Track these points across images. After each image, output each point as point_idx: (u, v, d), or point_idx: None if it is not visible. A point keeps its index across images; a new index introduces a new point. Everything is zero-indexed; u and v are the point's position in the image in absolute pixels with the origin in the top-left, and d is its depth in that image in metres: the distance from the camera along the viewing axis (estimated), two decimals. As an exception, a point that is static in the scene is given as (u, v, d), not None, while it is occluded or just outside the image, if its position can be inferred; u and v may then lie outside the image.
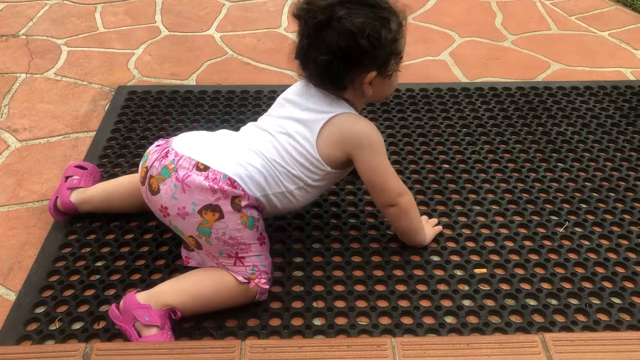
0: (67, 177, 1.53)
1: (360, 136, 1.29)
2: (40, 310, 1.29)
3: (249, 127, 1.37)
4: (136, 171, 1.63)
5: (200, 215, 1.22)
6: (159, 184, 1.24)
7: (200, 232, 1.24)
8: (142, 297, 1.21)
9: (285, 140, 1.29)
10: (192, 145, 1.28)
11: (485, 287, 1.34)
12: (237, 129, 1.40)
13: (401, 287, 1.34)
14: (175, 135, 1.34)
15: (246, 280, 1.25)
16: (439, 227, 1.48)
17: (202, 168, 1.22)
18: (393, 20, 1.24)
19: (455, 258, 1.42)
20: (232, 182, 1.22)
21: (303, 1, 1.25)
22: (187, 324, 1.26)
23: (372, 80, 1.27)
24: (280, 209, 1.32)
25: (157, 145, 1.32)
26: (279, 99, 1.39)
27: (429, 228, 1.46)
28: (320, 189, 1.35)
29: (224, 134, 1.37)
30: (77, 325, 1.26)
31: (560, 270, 1.39)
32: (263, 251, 1.29)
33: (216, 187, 1.20)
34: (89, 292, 1.33)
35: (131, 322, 1.18)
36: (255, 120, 1.41)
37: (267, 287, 1.28)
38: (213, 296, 1.25)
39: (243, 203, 1.23)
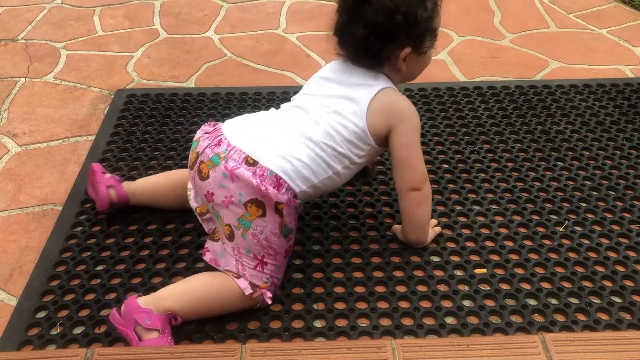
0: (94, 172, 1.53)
1: (404, 110, 1.34)
2: (41, 315, 1.30)
3: (291, 110, 1.38)
4: (138, 175, 1.65)
5: (244, 208, 1.24)
6: (209, 170, 1.26)
7: (240, 223, 1.25)
8: (143, 301, 1.21)
9: (334, 120, 1.31)
10: (243, 135, 1.29)
11: (485, 287, 1.35)
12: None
13: (401, 288, 1.35)
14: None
15: (251, 290, 1.25)
16: (439, 228, 1.48)
17: (251, 162, 1.24)
18: None
19: (455, 258, 1.42)
20: (278, 179, 1.25)
21: None
22: (188, 327, 1.26)
23: (407, 56, 1.32)
24: (323, 190, 1.36)
25: (205, 132, 1.33)
26: (316, 78, 1.42)
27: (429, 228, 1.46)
28: (359, 166, 1.38)
29: (271, 120, 1.36)
30: (78, 330, 1.26)
31: (560, 270, 1.39)
32: (284, 264, 1.32)
33: (262, 188, 1.22)
34: (90, 297, 1.33)
35: (132, 326, 1.19)
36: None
37: (270, 300, 1.29)
38: (215, 302, 1.25)
39: (285, 210, 1.25)
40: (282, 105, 1.41)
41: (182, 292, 1.25)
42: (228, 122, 1.35)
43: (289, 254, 1.33)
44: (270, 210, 1.24)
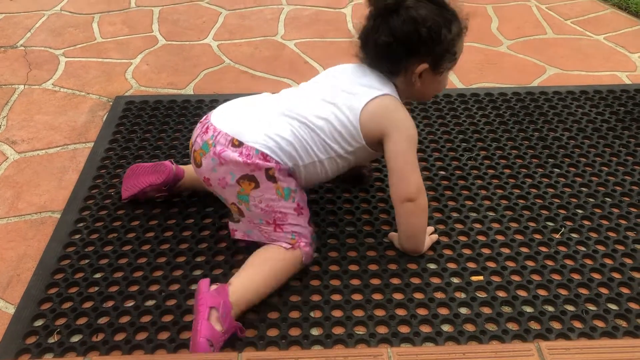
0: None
1: (400, 120, 1.37)
2: (39, 323, 1.30)
3: (288, 93, 1.43)
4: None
5: (238, 185, 1.33)
6: (201, 157, 1.35)
7: (240, 199, 1.34)
8: (233, 297, 1.24)
9: (328, 109, 1.35)
10: (229, 119, 1.37)
11: (482, 295, 1.35)
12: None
13: (398, 296, 1.35)
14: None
15: (290, 246, 1.33)
16: (435, 236, 1.48)
17: (236, 144, 1.31)
18: (455, 24, 1.35)
19: (452, 265, 1.42)
20: (265, 156, 1.31)
21: None
22: (185, 335, 1.26)
23: (423, 72, 1.36)
24: (308, 179, 1.39)
25: (200, 122, 1.41)
26: (329, 72, 1.47)
27: (425, 236, 1.46)
28: (348, 162, 1.40)
29: (261, 102, 1.42)
30: (75, 338, 1.26)
31: (556, 277, 1.39)
32: (301, 221, 1.36)
33: (249, 161, 1.30)
34: (88, 305, 1.33)
35: (215, 305, 1.20)
36: None
37: (308, 249, 1.35)
38: (271, 274, 1.31)
39: (277, 174, 1.32)
40: (282, 90, 1.46)
41: (247, 285, 1.28)
42: (220, 106, 1.43)
43: (303, 212, 1.37)
44: (263, 179, 1.31)
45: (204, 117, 1.42)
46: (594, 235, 1.50)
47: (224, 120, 1.37)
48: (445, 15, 1.33)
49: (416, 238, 1.42)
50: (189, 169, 1.57)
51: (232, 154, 1.30)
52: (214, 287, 1.25)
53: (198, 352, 1.15)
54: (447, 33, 1.32)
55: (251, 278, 1.30)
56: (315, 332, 1.27)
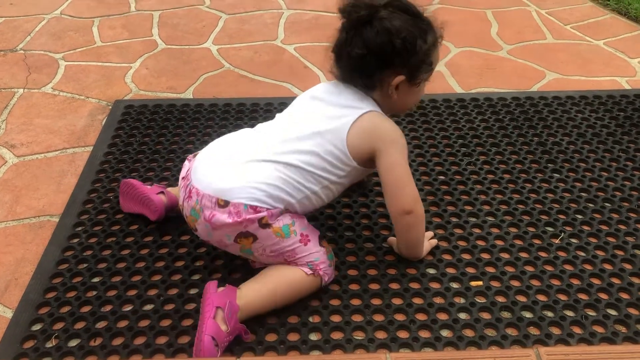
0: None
1: (388, 133, 1.34)
2: (37, 327, 1.29)
3: (266, 130, 1.39)
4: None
5: (237, 243, 1.30)
6: (195, 224, 1.33)
7: (244, 253, 1.33)
8: (240, 301, 1.24)
9: (314, 142, 1.31)
10: (209, 177, 1.31)
11: (481, 300, 1.35)
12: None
13: (397, 301, 1.35)
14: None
15: (311, 272, 1.31)
16: (435, 241, 1.48)
17: (222, 204, 1.27)
18: (430, 33, 1.31)
19: (451, 270, 1.42)
20: (255, 208, 1.26)
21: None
22: (183, 339, 1.26)
23: (400, 83, 1.32)
24: (305, 209, 1.35)
25: (182, 178, 1.37)
26: (305, 96, 1.43)
27: (424, 241, 1.46)
28: (342, 185, 1.38)
29: (240, 147, 1.36)
30: (73, 342, 1.26)
31: (556, 282, 1.39)
32: (311, 248, 1.32)
33: (239, 219, 1.25)
34: (86, 309, 1.33)
35: (221, 304, 1.21)
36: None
37: (328, 272, 1.33)
38: (286, 293, 1.30)
39: (271, 220, 1.27)
40: (257, 125, 1.42)
41: (264, 300, 1.28)
42: (198, 158, 1.37)
43: (309, 238, 1.32)
44: (258, 231, 1.27)
45: (186, 171, 1.36)
46: (593, 240, 1.50)
47: (205, 178, 1.31)
48: (420, 26, 1.30)
49: (416, 247, 1.42)
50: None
51: (222, 216, 1.26)
52: (221, 288, 1.25)
53: (203, 349, 1.15)
54: (422, 43, 1.29)
55: (264, 291, 1.28)
56: (313, 337, 1.27)
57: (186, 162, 1.41)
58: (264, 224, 1.27)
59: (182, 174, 1.38)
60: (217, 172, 1.31)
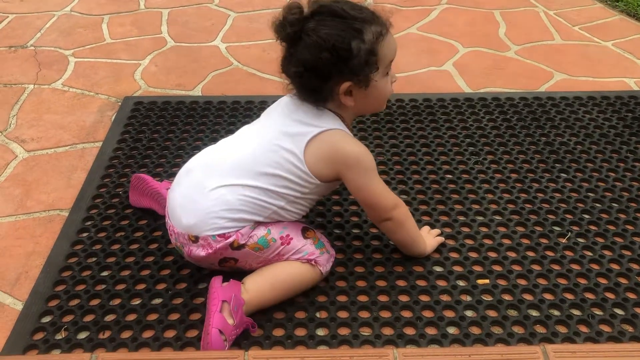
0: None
1: (349, 156, 1.29)
2: (46, 319, 1.31)
3: (230, 145, 1.38)
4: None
5: (223, 266, 1.34)
6: (185, 256, 1.37)
7: (236, 269, 1.35)
8: (245, 295, 1.26)
9: (270, 158, 1.28)
10: (177, 213, 1.31)
11: (487, 298, 1.35)
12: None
13: (404, 298, 1.35)
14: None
15: (306, 261, 1.32)
16: (441, 238, 1.48)
17: (194, 240, 1.30)
18: (367, 29, 1.22)
19: (458, 269, 1.42)
20: (223, 235, 1.28)
21: (279, 14, 1.26)
22: (192, 333, 1.27)
23: (348, 90, 1.26)
24: (280, 221, 1.34)
25: (166, 215, 1.38)
26: (269, 109, 1.41)
27: (430, 238, 1.46)
28: (312, 200, 1.37)
29: (199, 171, 1.34)
30: (82, 335, 1.27)
31: (562, 281, 1.39)
32: (293, 247, 1.32)
33: (211, 250, 1.29)
34: (95, 302, 1.34)
35: (227, 298, 1.22)
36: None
37: (321, 263, 1.33)
38: (286, 285, 1.31)
39: (243, 240, 1.29)
40: (220, 142, 1.41)
41: (266, 294, 1.29)
42: (169, 193, 1.37)
43: (291, 236, 1.32)
44: (235, 254, 1.30)
45: (165, 207, 1.38)
46: (600, 240, 1.50)
47: (174, 215, 1.32)
48: (352, 26, 1.21)
49: (410, 246, 1.42)
50: None
51: (197, 250, 1.29)
52: (226, 283, 1.26)
53: (211, 342, 1.16)
54: (359, 43, 1.20)
55: (266, 285, 1.29)
56: (320, 332, 1.28)
57: (169, 193, 1.39)
58: (236, 247, 1.28)
59: (166, 208, 1.38)
60: (182, 208, 1.31)
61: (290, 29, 1.22)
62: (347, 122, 1.34)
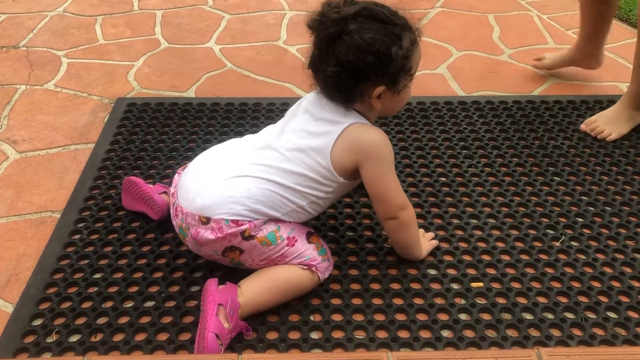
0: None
1: (370, 144, 1.30)
2: (37, 322, 1.29)
3: (252, 143, 1.37)
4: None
5: (226, 257, 1.31)
6: (185, 240, 1.35)
7: (235, 265, 1.34)
8: (241, 299, 1.25)
9: (297, 158, 1.29)
10: (191, 193, 1.30)
11: (481, 301, 1.35)
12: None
13: (398, 301, 1.35)
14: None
15: (306, 267, 1.31)
16: (435, 242, 1.48)
17: (204, 221, 1.27)
18: (405, 37, 1.25)
19: (451, 271, 1.42)
20: (236, 222, 1.26)
21: (317, 12, 1.27)
22: (184, 336, 1.26)
23: (381, 94, 1.28)
24: (293, 221, 1.34)
25: (171, 194, 1.38)
26: (293, 108, 1.40)
27: (425, 242, 1.46)
28: (330, 200, 1.37)
29: (222, 160, 1.36)
30: (74, 338, 1.26)
31: (556, 285, 1.39)
32: (297, 249, 1.31)
33: (222, 235, 1.26)
34: (87, 305, 1.33)
35: (223, 301, 1.21)
36: (255, 131, 1.43)
37: (321, 270, 1.33)
38: (282, 291, 1.30)
39: (254, 232, 1.27)
40: (245, 137, 1.41)
41: (262, 298, 1.29)
42: (182, 174, 1.37)
43: (296, 238, 1.31)
44: (243, 244, 1.28)
45: (174, 188, 1.37)
46: (593, 243, 1.51)
47: (187, 195, 1.31)
48: (393, 32, 1.23)
49: (408, 249, 1.42)
50: None
51: (205, 233, 1.27)
52: (222, 286, 1.25)
53: (207, 347, 1.15)
54: (398, 50, 1.22)
55: (263, 289, 1.28)
56: (314, 335, 1.27)
57: (176, 176, 1.41)
58: (247, 237, 1.27)
59: (172, 189, 1.38)
60: (198, 190, 1.30)
61: (333, 28, 1.22)
62: (370, 121, 1.36)
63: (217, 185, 1.29)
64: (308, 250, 1.32)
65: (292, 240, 1.31)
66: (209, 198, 1.28)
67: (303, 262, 1.31)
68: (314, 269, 1.32)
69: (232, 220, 1.26)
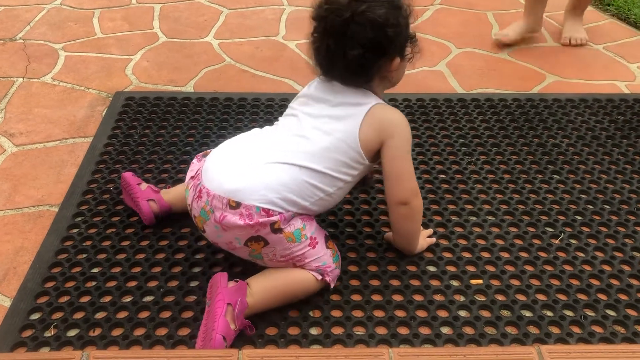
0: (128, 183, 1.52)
1: (396, 123, 1.34)
2: (35, 316, 1.28)
3: (277, 132, 1.36)
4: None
5: (247, 247, 1.27)
6: (203, 225, 1.29)
7: (254, 257, 1.31)
8: (250, 299, 1.24)
9: (326, 141, 1.29)
10: (220, 177, 1.27)
11: (481, 298, 1.35)
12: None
13: (398, 297, 1.35)
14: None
15: (321, 277, 1.30)
16: (433, 239, 1.48)
17: (234, 205, 1.23)
18: (404, 6, 1.30)
19: (451, 268, 1.42)
20: (267, 211, 1.24)
21: (323, 2, 1.28)
22: (183, 331, 1.25)
23: (397, 65, 1.32)
24: (315, 212, 1.33)
25: (191, 178, 1.34)
26: (302, 98, 1.39)
27: (422, 238, 1.46)
28: (352, 185, 1.38)
29: (250, 146, 1.34)
30: (72, 332, 1.25)
31: (555, 282, 1.39)
32: (319, 251, 1.31)
33: (252, 222, 1.23)
34: (85, 299, 1.32)
35: (232, 301, 1.20)
36: (254, 127, 1.42)
37: (334, 274, 1.33)
38: (291, 293, 1.30)
39: (283, 225, 1.25)
40: (265, 127, 1.40)
41: (270, 299, 1.28)
42: (209, 158, 1.34)
43: (317, 240, 1.31)
44: (270, 236, 1.25)
45: (195, 171, 1.33)
46: (592, 241, 1.51)
47: (216, 178, 1.27)
48: (395, 3, 1.28)
49: (409, 239, 1.42)
50: (178, 194, 1.49)
51: (233, 218, 1.22)
52: (232, 284, 1.24)
53: (213, 348, 1.14)
54: (403, 20, 1.29)
55: (274, 292, 1.28)
56: (314, 331, 1.27)
57: (195, 161, 1.38)
58: (276, 229, 1.24)
59: (191, 173, 1.35)
60: (229, 173, 1.28)
61: (347, 12, 1.23)
62: (381, 99, 1.38)
63: (250, 170, 1.27)
64: (325, 256, 1.31)
65: (314, 241, 1.30)
66: (241, 182, 1.25)
67: (319, 267, 1.30)
68: (328, 277, 1.31)
69: (263, 209, 1.23)
